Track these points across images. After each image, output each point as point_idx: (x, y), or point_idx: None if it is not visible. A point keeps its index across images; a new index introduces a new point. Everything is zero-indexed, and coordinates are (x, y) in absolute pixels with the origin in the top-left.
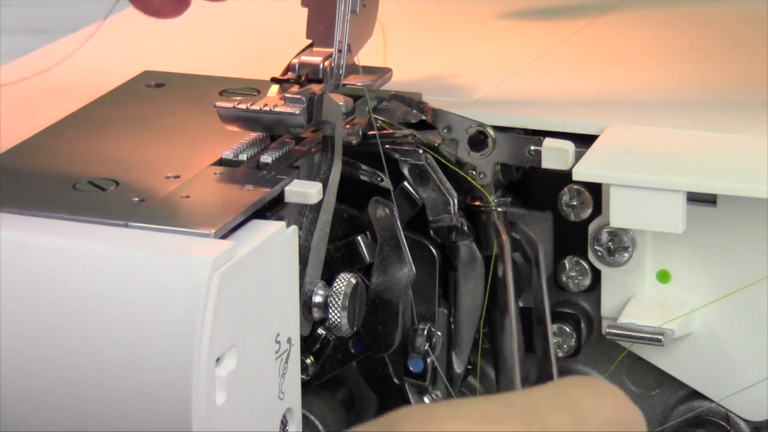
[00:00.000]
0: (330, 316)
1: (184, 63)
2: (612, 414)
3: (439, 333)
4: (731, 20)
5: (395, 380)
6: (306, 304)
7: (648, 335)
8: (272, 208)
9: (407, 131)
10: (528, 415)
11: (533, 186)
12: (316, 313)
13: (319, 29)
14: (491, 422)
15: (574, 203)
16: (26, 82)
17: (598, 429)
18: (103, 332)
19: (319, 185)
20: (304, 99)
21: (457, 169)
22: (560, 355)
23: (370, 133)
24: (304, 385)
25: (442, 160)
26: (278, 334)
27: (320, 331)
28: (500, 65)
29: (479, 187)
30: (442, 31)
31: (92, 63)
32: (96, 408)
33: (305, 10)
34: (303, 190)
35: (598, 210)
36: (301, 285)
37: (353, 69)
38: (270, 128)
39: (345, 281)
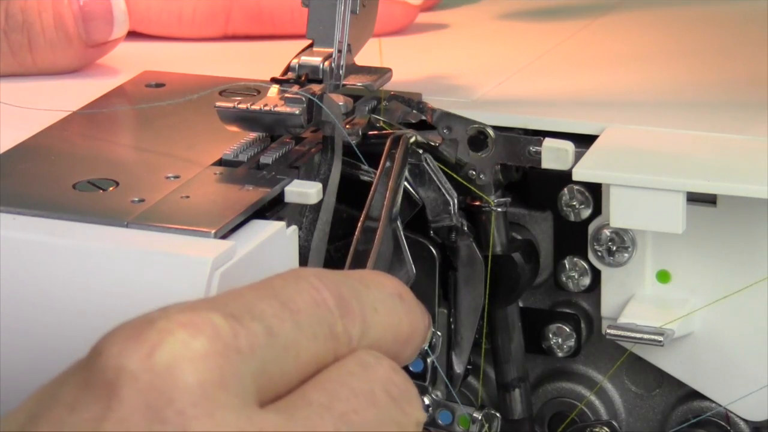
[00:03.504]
0: None
1: (184, 63)
2: (311, 293)
3: (439, 333)
4: (731, 20)
5: None
6: None
7: (648, 335)
8: (272, 208)
9: (407, 131)
10: (234, 307)
11: (533, 186)
12: None
13: (319, 29)
14: (199, 316)
15: (574, 203)
16: (26, 82)
17: (305, 309)
18: (104, 332)
19: (319, 185)
20: (304, 99)
21: (452, 173)
22: (560, 355)
23: (371, 133)
24: None
25: (439, 165)
26: None
27: None
28: (500, 65)
29: (474, 189)
30: (442, 31)
31: (93, 64)
32: None
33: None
34: (303, 190)
35: (598, 210)
36: None
37: (353, 69)
38: (270, 128)
39: None
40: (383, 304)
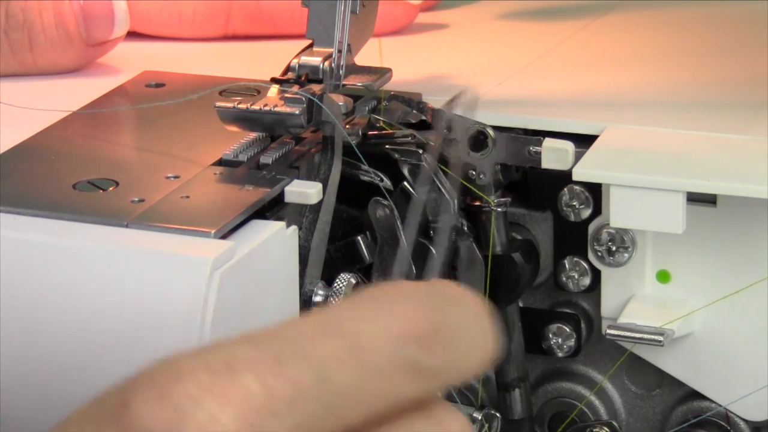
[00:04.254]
0: None
1: (184, 63)
2: (401, 326)
3: None
4: (731, 20)
5: None
6: (306, 304)
7: (648, 335)
8: (272, 208)
9: (407, 131)
10: (284, 349)
11: (533, 186)
12: None
13: (319, 29)
14: (230, 380)
15: (574, 203)
16: (26, 82)
17: (376, 345)
18: (103, 333)
19: (319, 185)
20: (304, 99)
21: (452, 173)
22: (560, 355)
23: (370, 133)
24: None
25: (439, 165)
26: None
27: None
28: (500, 65)
29: (474, 189)
30: (442, 31)
31: (93, 63)
32: None
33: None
34: (303, 190)
35: (598, 210)
36: (301, 285)
37: (353, 69)
38: (270, 128)
39: (345, 281)
40: (466, 325)
